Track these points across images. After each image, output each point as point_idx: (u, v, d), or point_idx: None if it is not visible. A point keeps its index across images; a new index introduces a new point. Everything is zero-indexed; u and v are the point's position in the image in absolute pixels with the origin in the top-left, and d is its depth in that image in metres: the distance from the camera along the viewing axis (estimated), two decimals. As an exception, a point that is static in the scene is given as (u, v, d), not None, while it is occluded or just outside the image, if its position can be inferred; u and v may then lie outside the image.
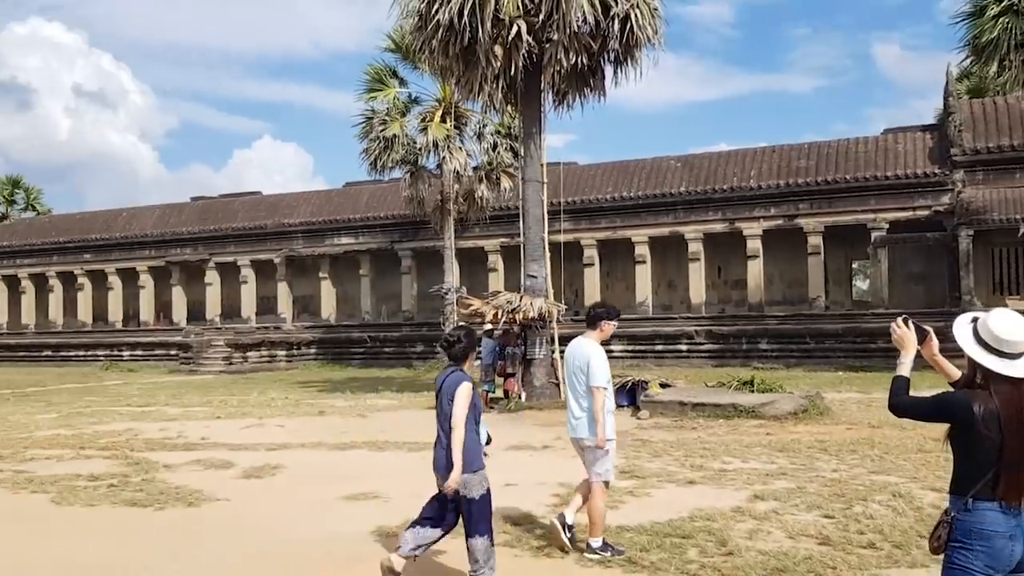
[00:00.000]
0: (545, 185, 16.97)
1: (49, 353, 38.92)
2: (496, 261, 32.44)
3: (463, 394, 5.19)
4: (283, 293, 36.72)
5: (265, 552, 6.35)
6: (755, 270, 29.11)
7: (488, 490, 5.24)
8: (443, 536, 5.43)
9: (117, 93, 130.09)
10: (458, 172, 26.79)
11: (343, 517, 7.43)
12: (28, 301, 41.66)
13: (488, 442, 5.62)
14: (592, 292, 31.02)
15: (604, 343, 6.35)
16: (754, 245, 28.96)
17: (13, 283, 42.13)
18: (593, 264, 31.27)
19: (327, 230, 35.49)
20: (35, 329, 41.09)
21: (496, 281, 31.17)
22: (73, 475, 9.50)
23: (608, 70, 17.14)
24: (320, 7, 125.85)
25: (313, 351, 34.49)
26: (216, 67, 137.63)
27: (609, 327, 6.33)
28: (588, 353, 6.12)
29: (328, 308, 36.04)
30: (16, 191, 49.96)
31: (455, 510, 5.28)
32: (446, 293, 28.30)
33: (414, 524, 5.40)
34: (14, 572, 6.01)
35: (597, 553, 5.90)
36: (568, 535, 6.05)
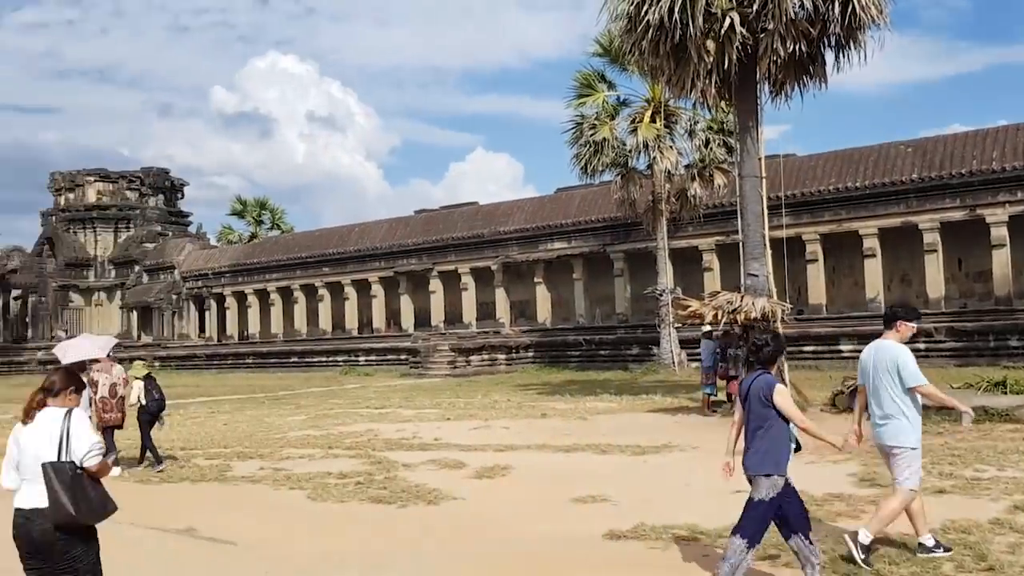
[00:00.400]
0: (764, 180, 16.39)
1: (295, 359, 42.44)
2: (711, 260, 31.71)
3: (784, 393, 5.24)
4: (500, 298, 37.93)
5: (503, 552, 6.58)
6: (1001, 260, 26.55)
7: (772, 500, 5.16)
8: (799, 535, 5.23)
9: (345, 117, 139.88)
10: (669, 171, 26.50)
11: (574, 519, 7.55)
12: (276, 312, 45.78)
13: (798, 448, 5.56)
14: (816, 290, 29.57)
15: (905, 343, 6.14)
16: (999, 233, 26.43)
17: (263, 296, 46.45)
18: (816, 260, 29.80)
19: (540, 236, 36.26)
20: (283, 337, 45.04)
21: (711, 281, 30.46)
22: (324, 473, 10.31)
23: (829, 56, 16.28)
24: (525, 20, 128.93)
25: (530, 354, 35.31)
26: (430, 85, 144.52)
27: (906, 328, 6.14)
28: (896, 354, 5.98)
29: (543, 312, 36.79)
30: (263, 212, 55.12)
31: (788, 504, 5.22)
32: (660, 294, 28.04)
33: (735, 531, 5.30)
34: (280, 560, 6.62)
35: (860, 553, 5.63)
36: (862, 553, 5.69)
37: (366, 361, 39.40)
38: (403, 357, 36.42)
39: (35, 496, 4.13)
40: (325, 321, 43.72)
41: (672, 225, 28.88)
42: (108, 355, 12.09)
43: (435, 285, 39.62)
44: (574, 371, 31.67)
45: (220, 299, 48.66)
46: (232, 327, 48.17)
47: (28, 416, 4.26)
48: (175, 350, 48.23)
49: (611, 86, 26.57)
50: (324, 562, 6.50)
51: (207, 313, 49.72)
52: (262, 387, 29.46)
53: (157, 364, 45.66)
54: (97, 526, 4.29)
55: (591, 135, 26.07)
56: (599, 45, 25.33)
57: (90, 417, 11.14)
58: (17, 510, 4.19)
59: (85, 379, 11.53)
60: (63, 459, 4.13)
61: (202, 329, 49.99)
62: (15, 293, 54.24)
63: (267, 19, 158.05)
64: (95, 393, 11.34)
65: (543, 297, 36.90)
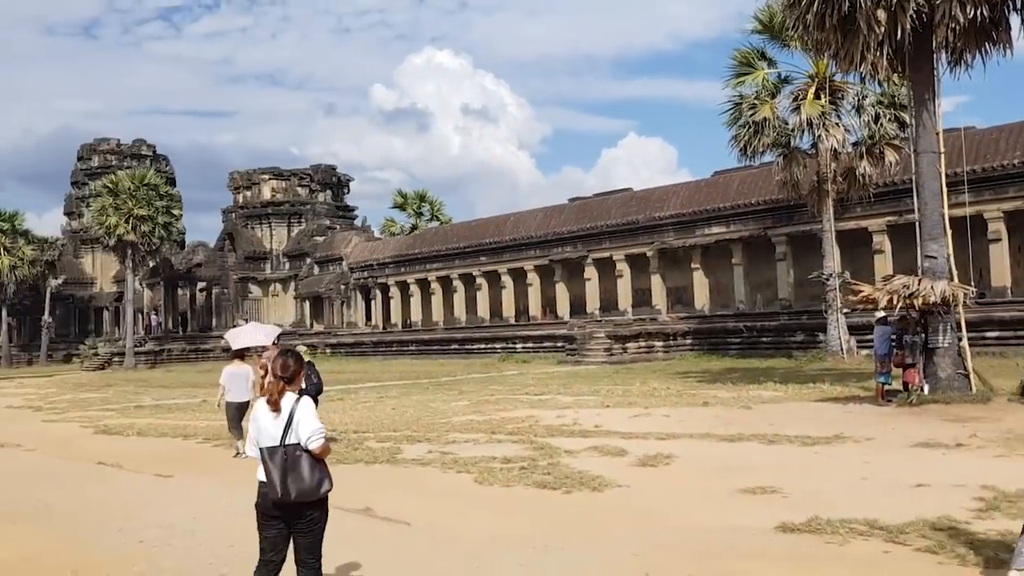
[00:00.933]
0: (942, 155, 15.39)
1: (456, 346, 43.60)
2: (882, 242, 30.05)
3: None
4: (656, 285, 37.48)
5: (671, 540, 6.54)
6: None
7: None
8: None
9: (498, 108, 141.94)
10: (835, 150, 25.30)
11: (742, 510, 7.40)
12: (437, 301, 47.22)
13: None
14: (999, 271, 27.51)
15: None
16: None
17: (424, 285, 48.00)
18: (1000, 239, 27.67)
19: (697, 221, 35.53)
20: (443, 325, 46.40)
21: (883, 264, 28.87)
22: (489, 457, 10.57)
23: (1014, 20, 15.06)
24: (678, 1, 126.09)
25: (688, 341, 34.70)
26: (581, 73, 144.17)
27: None
28: None
29: (701, 298, 36.06)
30: (423, 204, 56.93)
31: None
32: (827, 279, 26.87)
33: None
34: (451, 541, 6.86)
35: None
36: None
37: (523, 348, 39.94)
38: (559, 344, 36.68)
39: None
40: (483, 309, 44.67)
41: (839, 206, 27.57)
42: (274, 342, 13.05)
43: (590, 272, 39.63)
44: (734, 359, 30.89)
45: (384, 288, 50.67)
46: (396, 315, 50.09)
47: (275, 406, 4.63)
48: (344, 337, 50.68)
49: (771, 63, 25.62)
50: (493, 544, 6.67)
51: (373, 302, 51.90)
52: (425, 373, 30.49)
53: (328, 351, 48.21)
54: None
55: (750, 115, 25.26)
56: (758, 21, 24.48)
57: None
58: (260, 482, 4.69)
59: (249, 365, 12.72)
60: (286, 441, 4.55)
61: (368, 317, 52.23)
62: (200, 285, 58.53)
63: (423, 16, 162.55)
64: (264, 377, 12.23)
65: (700, 283, 36.17)
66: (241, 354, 13.12)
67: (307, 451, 4.57)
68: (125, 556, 6.76)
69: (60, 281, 61.83)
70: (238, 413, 12.55)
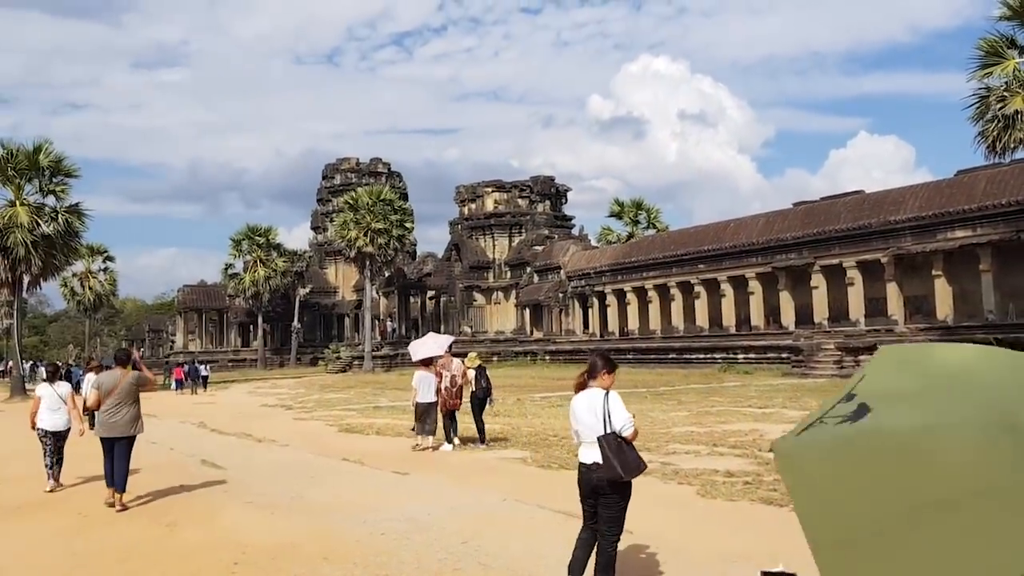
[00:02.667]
0: None
1: (673, 356, 43.08)
2: None
3: None
4: (892, 294, 35.11)
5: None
6: None
7: None
8: None
9: (716, 112, 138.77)
10: (1105, 142, 22.61)
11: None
12: (654, 309, 46.91)
13: None
14: None
15: None
16: None
17: (641, 293, 47.86)
18: None
19: (939, 224, 32.91)
20: (660, 334, 46.01)
21: None
22: (711, 470, 10.44)
23: None
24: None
25: (930, 354, 32.11)
26: (808, 72, 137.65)
27: None
28: None
29: (944, 308, 33.35)
30: (639, 212, 56.76)
31: None
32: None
33: None
34: (677, 552, 6.88)
35: None
36: None
37: (744, 359, 38.77)
38: (784, 355, 35.28)
39: (594, 454, 5.57)
40: (702, 318, 43.83)
41: (1109, 205, 24.62)
42: (446, 351, 14.71)
43: (817, 280, 37.79)
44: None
45: (601, 297, 51.03)
46: (613, 323, 50.29)
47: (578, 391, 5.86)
48: (563, 345, 51.57)
49: (1022, 52, 23.35)
50: (721, 560, 6.63)
51: (590, 310, 52.43)
52: (643, 382, 30.42)
53: (548, 358, 49.21)
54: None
55: (999, 108, 23.13)
56: (1006, 7, 22.41)
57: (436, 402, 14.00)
58: (581, 463, 5.73)
59: (433, 371, 14.25)
60: (607, 431, 5.53)
61: (586, 325, 52.82)
62: (430, 294, 61.81)
63: (640, 24, 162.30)
64: (440, 382, 13.72)
65: (943, 291, 33.45)
66: (428, 362, 14.70)
67: (622, 438, 5.54)
68: (369, 547, 7.37)
69: (307, 290, 67.61)
70: (426, 411, 14.12)
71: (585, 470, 5.66)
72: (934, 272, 33.43)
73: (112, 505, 9.65)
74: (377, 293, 60.99)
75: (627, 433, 5.57)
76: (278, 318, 66.95)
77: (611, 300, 50.12)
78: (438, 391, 13.98)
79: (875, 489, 1.45)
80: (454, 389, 13.99)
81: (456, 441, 13.99)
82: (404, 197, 65.69)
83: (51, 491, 11.09)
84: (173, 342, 73.74)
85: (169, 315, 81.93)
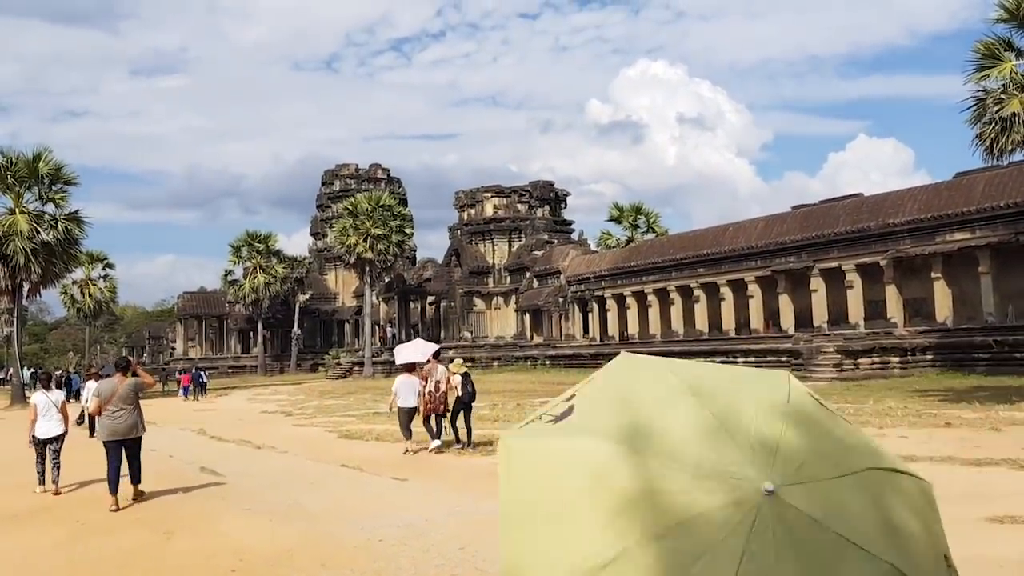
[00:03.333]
0: None
1: (673, 360, 43.02)
2: None
3: None
4: (892, 296, 35.13)
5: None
6: None
7: None
8: None
9: (714, 116, 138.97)
10: (1103, 144, 22.62)
11: (989, 540, 6.86)
12: (654, 313, 46.93)
13: None
14: None
15: None
16: None
17: (641, 298, 47.88)
18: None
19: (938, 226, 32.94)
20: (660, 338, 46.02)
21: None
22: (709, 474, 10.45)
23: None
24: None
25: (928, 357, 32.19)
26: (806, 75, 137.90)
27: None
28: None
29: (943, 310, 33.37)
30: (638, 216, 56.80)
31: None
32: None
33: None
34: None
35: None
36: None
37: (744, 362, 38.71)
38: (783, 359, 35.24)
39: None
40: (701, 322, 43.85)
41: (1107, 206, 24.64)
42: (431, 358, 14.88)
43: (816, 283, 37.82)
44: (982, 376, 28.29)
45: (601, 301, 51.05)
46: (613, 328, 50.30)
47: None
48: (563, 350, 51.57)
49: (1020, 54, 23.35)
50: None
51: (590, 315, 52.44)
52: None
53: (548, 363, 49.25)
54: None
55: (996, 111, 23.14)
56: (1003, 9, 22.44)
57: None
58: None
59: (418, 376, 14.49)
60: None
61: (586, 330, 52.83)
62: (430, 299, 61.84)
63: (639, 29, 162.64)
64: (424, 387, 13.95)
65: (942, 294, 33.46)
66: (411, 367, 14.88)
67: None
68: (367, 553, 7.38)
69: (307, 296, 67.70)
70: (407, 417, 14.30)
71: None
72: (933, 274, 33.46)
73: (115, 508, 9.92)
74: (377, 299, 61.04)
75: None
76: (278, 324, 67.01)
77: (611, 304, 50.14)
78: (420, 396, 14.25)
79: (548, 479, 1.66)
80: (438, 394, 14.18)
81: (440, 441, 14.16)
82: (403, 203, 65.77)
83: (55, 494, 11.38)
84: (173, 349, 73.82)
85: (169, 322, 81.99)
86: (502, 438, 1.90)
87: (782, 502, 1.39)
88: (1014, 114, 22.88)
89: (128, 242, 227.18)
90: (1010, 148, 23.67)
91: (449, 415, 14.43)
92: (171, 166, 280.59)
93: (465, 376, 14.51)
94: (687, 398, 1.67)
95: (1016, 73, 23.34)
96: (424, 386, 14.27)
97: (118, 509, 9.90)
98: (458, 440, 14.30)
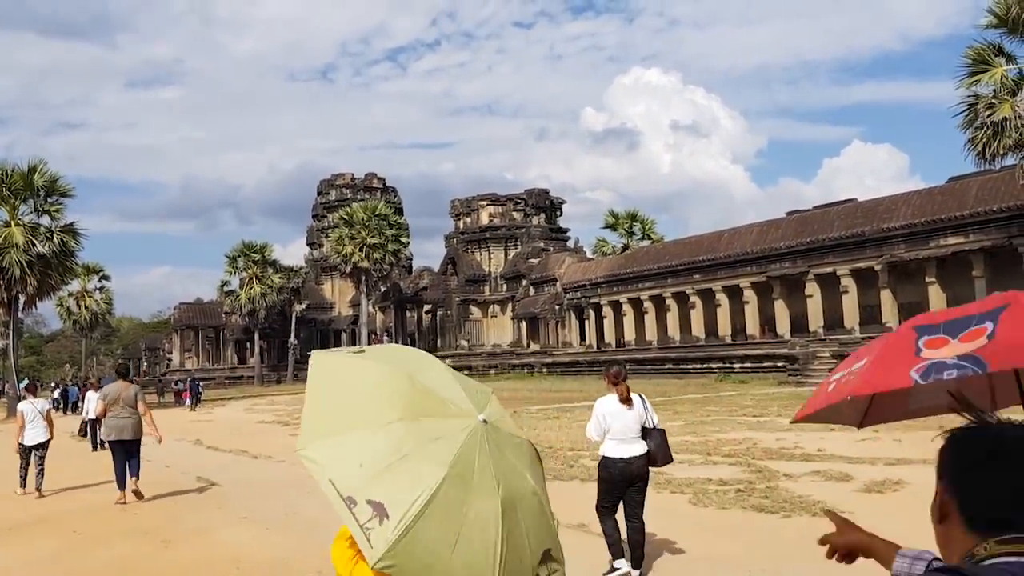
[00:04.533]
0: None
1: (670, 366, 43.15)
2: None
3: None
4: (887, 301, 35.24)
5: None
6: None
7: None
8: None
9: (709, 123, 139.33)
10: (1093, 148, 22.80)
11: (980, 542, 6.91)
12: (650, 320, 46.99)
13: None
14: None
15: None
16: None
17: (637, 304, 47.94)
18: None
19: (932, 231, 33.10)
20: (657, 344, 46.08)
21: None
22: (704, 479, 10.49)
23: None
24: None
25: (925, 361, 32.22)
26: (800, 81, 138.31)
27: None
28: None
29: (939, 314, 33.44)
30: (634, 223, 56.87)
31: None
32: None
33: None
34: (660, 558, 6.93)
35: None
36: None
37: (740, 368, 38.84)
38: (779, 364, 35.35)
39: (634, 449, 6.39)
40: (698, 328, 43.91)
41: (1099, 209, 24.78)
42: None
43: (811, 289, 37.93)
44: (978, 379, 28.30)
45: (597, 308, 51.10)
46: (609, 335, 50.34)
47: (629, 403, 6.53)
48: (559, 357, 51.59)
49: (1010, 59, 23.57)
50: (707, 564, 6.68)
51: (586, 322, 52.48)
52: (642, 392, 30.39)
53: (545, 370, 49.22)
54: None
55: (988, 115, 23.35)
56: (993, 15, 22.67)
57: None
58: (619, 459, 6.38)
59: None
60: (649, 426, 6.46)
61: (582, 337, 52.86)
62: (426, 307, 61.89)
63: (633, 37, 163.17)
64: None
65: (937, 298, 33.58)
66: None
67: (661, 431, 6.53)
68: (364, 559, 7.39)
69: (304, 306, 67.62)
70: None
71: (624, 464, 6.34)
72: (927, 279, 33.58)
73: (123, 502, 10.97)
74: (373, 308, 61.04)
75: (661, 427, 6.69)
76: (275, 334, 66.94)
77: (607, 311, 50.19)
78: None
79: (348, 375, 2.41)
80: None
81: None
82: (399, 212, 65.81)
83: (38, 497, 11.95)
84: (170, 360, 73.69)
85: (165, 333, 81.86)
86: (314, 353, 2.49)
87: (489, 425, 2.31)
88: (1005, 118, 23.08)
89: (124, 253, 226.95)
90: (1002, 152, 23.88)
91: None
92: (167, 177, 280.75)
93: None
94: (439, 364, 2.58)
95: (1007, 78, 23.53)
96: None
97: (125, 503, 10.89)
98: None
